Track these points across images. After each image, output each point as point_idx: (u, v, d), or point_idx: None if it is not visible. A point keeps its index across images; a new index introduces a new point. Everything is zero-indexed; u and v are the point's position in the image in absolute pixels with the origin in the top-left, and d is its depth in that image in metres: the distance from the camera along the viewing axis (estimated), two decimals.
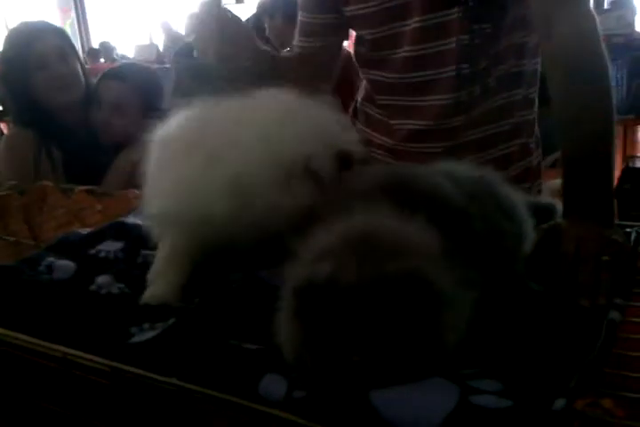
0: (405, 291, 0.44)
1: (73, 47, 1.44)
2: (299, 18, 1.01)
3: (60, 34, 1.43)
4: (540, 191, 1.05)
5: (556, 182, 1.27)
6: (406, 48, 0.90)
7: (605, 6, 3.80)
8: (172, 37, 5.00)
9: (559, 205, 0.73)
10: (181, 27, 5.20)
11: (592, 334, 0.53)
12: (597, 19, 0.77)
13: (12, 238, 0.95)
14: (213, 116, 0.71)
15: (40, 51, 1.35)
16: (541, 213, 0.71)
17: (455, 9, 0.85)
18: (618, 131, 2.91)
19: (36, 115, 1.35)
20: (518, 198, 0.64)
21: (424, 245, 0.49)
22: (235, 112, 0.70)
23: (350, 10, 0.93)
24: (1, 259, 0.95)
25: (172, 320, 0.61)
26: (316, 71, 0.99)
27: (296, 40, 1.02)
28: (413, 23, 0.87)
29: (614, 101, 0.74)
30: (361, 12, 0.91)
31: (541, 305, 0.58)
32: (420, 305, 0.45)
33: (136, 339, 0.58)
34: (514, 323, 0.55)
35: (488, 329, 0.53)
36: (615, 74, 2.72)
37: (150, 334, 0.59)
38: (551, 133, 0.97)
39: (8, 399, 0.65)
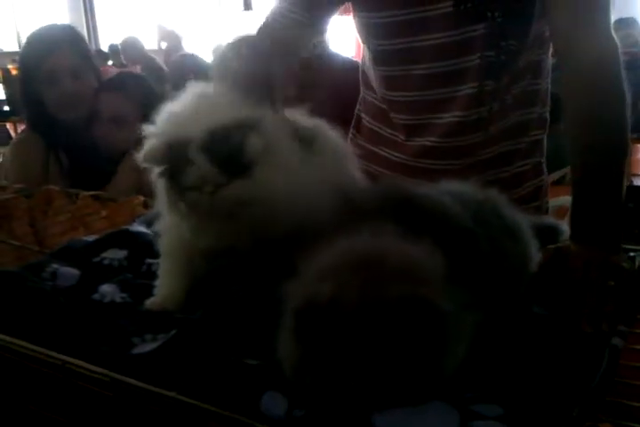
0: (406, 315, 0.44)
1: (88, 61, 1.43)
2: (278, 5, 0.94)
3: (77, 46, 1.42)
4: (547, 210, 1.05)
5: (560, 199, 1.27)
6: (426, 64, 0.88)
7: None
8: (171, 40, 4.99)
9: (563, 226, 0.73)
10: (180, 30, 5.19)
11: (594, 360, 0.53)
12: (617, 40, 0.76)
13: (16, 243, 0.96)
14: None
15: (52, 67, 1.35)
16: (546, 234, 0.71)
17: (482, 25, 0.84)
18: None
19: (46, 123, 1.36)
20: (523, 220, 0.65)
21: (428, 268, 0.49)
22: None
23: (364, 16, 0.91)
24: (5, 263, 0.95)
25: (173, 331, 0.61)
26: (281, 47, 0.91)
27: (275, 7, 0.94)
28: (434, 39, 0.86)
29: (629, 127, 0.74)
30: (375, 20, 0.90)
31: (544, 329, 0.58)
32: (421, 330, 0.45)
33: (137, 350, 0.59)
34: (516, 347, 0.55)
35: (490, 353, 0.52)
36: None
37: (151, 346, 0.59)
38: (558, 150, 0.97)
39: (8, 405, 0.65)
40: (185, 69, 3.08)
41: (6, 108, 4.67)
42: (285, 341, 0.49)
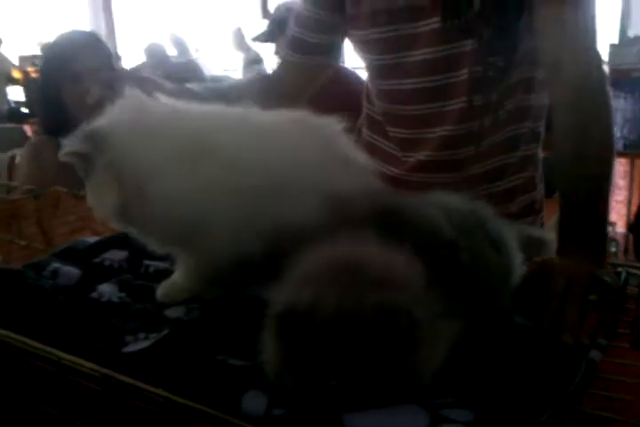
0: (379, 323, 0.46)
1: (111, 67, 1.48)
2: (291, 32, 1.02)
3: (102, 53, 1.47)
4: (542, 224, 1.06)
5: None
6: (414, 79, 0.91)
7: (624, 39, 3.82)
8: (179, 47, 5.06)
9: (551, 237, 0.74)
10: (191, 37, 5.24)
11: (570, 371, 0.55)
12: (602, 57, 0.78)
13: (22, 242, 0.99)
14: (231, 121, 0.71)
15: (76, 70, 1.40)
16: (533, 246, 0.72)
17: (469, 41, 0.87)
18: (636, 164, 2.89)
19: (64, 125, 1.40)
20: (508, 232, 0.66)
21: (407, 278, 0.50)
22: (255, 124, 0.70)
23: (355, 34, 0.95)
24: (11, 262, 0.98)
25: (165, 331, 0.63)
26: (298, 89, 1.02)
27: (284, 54, 1.03)
28: (422, 54, 0.89)
29: (615, 143, 0.75)
30: (365, 37, 0.93)
31: (523, 340, 0.60)
32: (394, 338, 0.47)
33: (129, 348, 0.61)
34: (494, 355, 0.56)
35: (467, 361, 0.54)
36: (633, 107, 2.72)
37: (143, 345, 0.61)
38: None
39: (5, 399, 0.67)
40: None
41: (24, 110, 4.76)
42: (267, 344, 0.51)
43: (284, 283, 0.52)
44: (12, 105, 5.20)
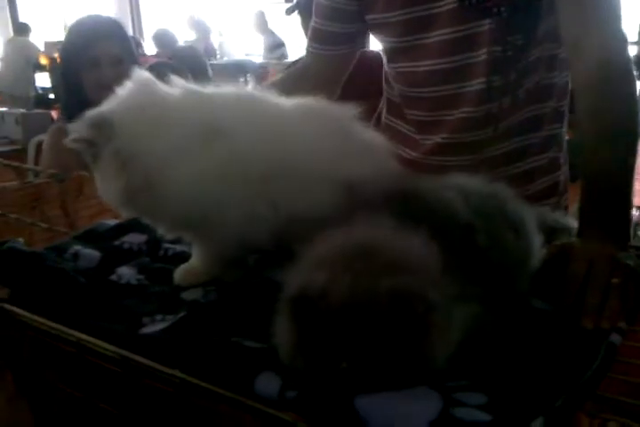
0: (393, 307, 0.46)
1: (130, 52, 1.48)
2: (312, 24, 1.01)
3: (120, 38, 1.47)
4: (566, 207, 1.04)
5: None
6: (432, 61, 0.89)
7: None
8: (200, 31, 5.05)
9: (572, 223, 0.73)
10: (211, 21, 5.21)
11: (589, 356, 0.54)
12: (627, 37, 0.76)
13: (44, 225, 1.00)
14: (243, 106, 0.69)
15: (94, 55, 1.40)
16: (554, 230, 0.71)
17: (487, 20, 0.84)
18: None
19: (84, 110, 1.41)
20: (528, 215, 0.65)
21: (422, 262, 0.50)
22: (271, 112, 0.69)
23: (373, 18, 0.93)
24: (34, 244, 1.00)
25: (182, 313, 0.64)
26: (324, 80, 1.00)
27: (308, 46, 1.02)
28: (440, 35, 0.87)
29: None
30: (383, 21, 0.91)
31: (542, 323, 0.59)
32: (407, 321, 0.46)
33: (146, 330, 0.61)
34: (511, 340, 0.55)
35: (484, 344, 0.53)
36: None
37: (160, 326, 0.61)
38: None
39: (27, 379, 0.69)
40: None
41: (51, 96, 4.82)
42: (281, 327, 0.51)
43: (297, 267, 0.52)
44: (40, 91, 5.27)
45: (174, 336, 0.59)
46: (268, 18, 4.10)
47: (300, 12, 2.03)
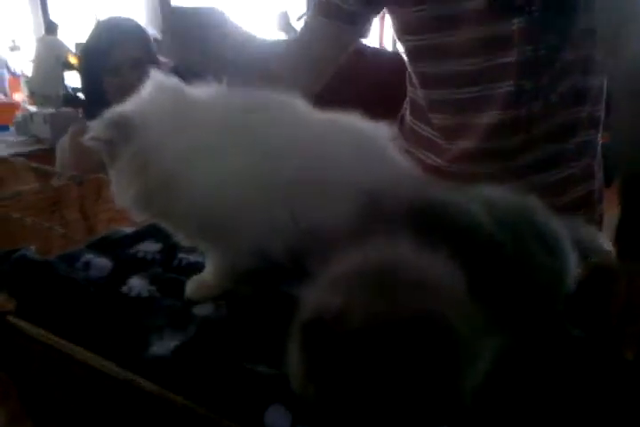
0: (414, 335, 0.42)
1: (152, 55, 1.47)
2: None
3: (142, 41, 1.45)
4: (601, 215, 0.98)
5: None
6: (457, 61, 0.84)
7: None
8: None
9: (606, 241, 0.67)
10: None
11: (631, 390, 0.49)
12: None
13: (60, 230, 0.99)
14: (272, 108, 0.67)
15: (116, 59, 1.39)
16: (591, 247, 0.66)
17: (518, 19, 0.79)
18: None
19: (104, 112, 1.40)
20: (562, 230, 0.60)
21: (446, 284, 0.46)
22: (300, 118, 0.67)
23: (395, 11, 0.88)
24: (52, 249, 0.99)
25: (192, 330, 0.61)
26: (316, 63, 0.94)
27: (310, 18, 0.95)
28: (466, 34, 0.82)
29: None
30: (407, 16, 0.86)
31: (578, 353, 0.54)
32: (430, 352, 0.43)
33: (154, 350, 0.59)
34: (544, 372, 0.51)
35: (514, 377, 0.49)
36: None
37: (167, 346, 0.59)
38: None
39: (33, 397, 0.67)
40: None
41: (81, 95, 4.87)
42: (293, 353, 0.48)
43: (312, 287, 0.48)
44: (69, 90, 5.33)
45: (182, 359, 0.56)
46: (290, 16, 4.09)
47: None
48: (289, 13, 4.14)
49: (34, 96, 5.45)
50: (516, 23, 0.79)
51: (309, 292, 0.49)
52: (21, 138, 3.59)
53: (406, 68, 1.00)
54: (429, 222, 0.52)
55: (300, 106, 0.68)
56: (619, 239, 0.65)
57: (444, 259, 0.47)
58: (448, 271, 0.47)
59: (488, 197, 0.57)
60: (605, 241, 0.70)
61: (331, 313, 0.44)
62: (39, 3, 7.06)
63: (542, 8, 0.77)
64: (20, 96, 5.81)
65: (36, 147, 3.36)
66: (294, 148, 0.63)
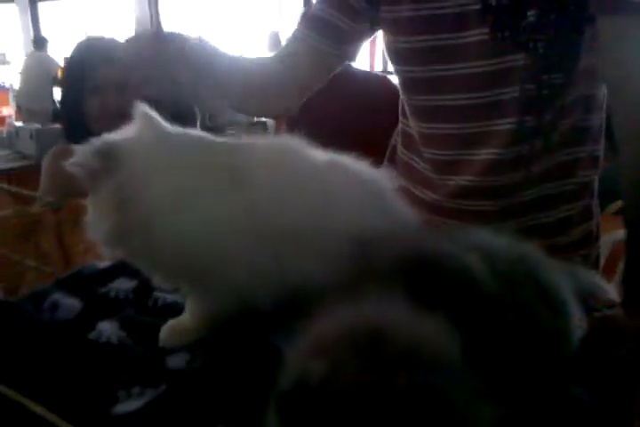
0: (408, 406, 0.38)
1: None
2: (314, 10, 0.88)
3: (118, 62, 1.41)
4: (598, 256, 0.95)
5: (620, 233, 1.16)
6: (455, 95, 0.81)
7: None
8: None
9: (609, 288, 0.64)
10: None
11: None
12: None
13: (32, 264, 0.93)
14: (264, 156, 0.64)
15: (97, 81, 1.34)
16: (588, 297, 0.62)
17: (522, 55, 0.76)
18: None
19: (83, 134, 1.35)
20: (563, 280, 0.56)
21: (439, 349, 0.41)
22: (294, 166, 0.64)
23: (392, 40, 0.85)
24: (26, 283, 0.94)
25: (162, 387, 0.56)
26: (301, 79, 0.90)
27: (299, 31, 0.90)
28: (467, 68, 0.79)
29: None
30: (403, 45, 0.83)
31: (582, 418, 0.50)
32: (426, 423, 0.38)
33: (120, 408, 0.54)
34: None
35: None
36: None
37: (135, 405, 0.54)
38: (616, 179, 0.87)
39: None
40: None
41: None
42: (271, 420, 0.43)
43: (295, 348, 0.44)
44: (58, 106, 5.29)
45: (149, 420, 0.51)
46: (281, 37, 4.11)
47: None
48: (280, 34, 4.16)
49: (21, 111, 5.40)
50: (521, 59, 0.76)
51: (292, 353, 0.44)
52: (6, 152, 3.52)
53: (397, 94, 0.97)
54: (423, 278, 0.48)
55: (298, 148, 0.64)
56: (625, 289, 0.61)
57: (438, 320, 0.43)
58: (443, 334, 0.43)
59: (487, 247, 0.53)
60: (609, 288, 0.66)
61: (315, 379, 0.40)
62: (29, 18, 7.06)
63: (547, 45, 0.75)
64: (7, 110, 5.76)
65: (19, 163, 3.29)
66: (285, 194, 0.60)
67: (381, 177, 0.65)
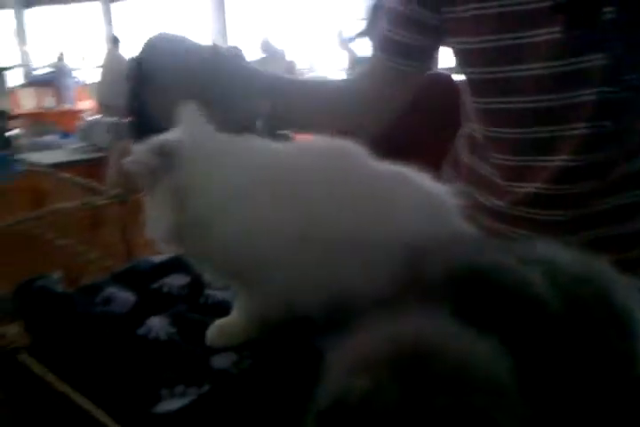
0: None
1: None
2: (384, 31, 0.87)
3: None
4: None
5: None
6: (527, 97, 0.76)
7: None
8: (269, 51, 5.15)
9: None
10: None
11: None
12: None
13: (93, 255, 0.96)
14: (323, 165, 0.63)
15: (158, 84, 1.36)
16: None
17: (598, 55, 0.71)
18: None
19: (150, 131, 1.38)
20: (636, 302, 0.51)
21: (488, 373, 0.38)
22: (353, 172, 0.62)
23: (457, 42, 0.81)
24: (82, 274, 0.96)
25: (206, 387, 0.56)
26: (377, 94, 0.89)
27: (376, 54, 0.89)
28: (538, 69, 0.73)
29: None
30: (470, 46, 0.79)
31: None
32: None
33: (161, 407, 0.54)
34: None
35: None
36: None
37: (177, 404, 0.53)
38: None
39: None
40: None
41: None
42: None
43: (334, 365, 0.42)
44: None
45: (188, 420, 0.51)
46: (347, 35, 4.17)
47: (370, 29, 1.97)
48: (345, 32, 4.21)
49: (99, 105, 5.64)
50: (597, 59, 0.71)
51: (333, 366, 0.42)
52: (82, 144, 3.69)
53: (457, 94, 0.93)
54: (475, 292, 0.44)
55: (357, 153, 0.63)
56: None
57: (490, 340, 0.40)
58: (493, 356, 0.39)
59: (552, 262, 0.49)
60: None
61: (354, 398, 0.38)
62: (103, 16, 7.38)
63: (624, 45, 0.69)
64: (85, 104, 6.03)
65: (95, 155, 3.43)
66: (342, 201, 0.59)
67: (445, 192, 0.63)
